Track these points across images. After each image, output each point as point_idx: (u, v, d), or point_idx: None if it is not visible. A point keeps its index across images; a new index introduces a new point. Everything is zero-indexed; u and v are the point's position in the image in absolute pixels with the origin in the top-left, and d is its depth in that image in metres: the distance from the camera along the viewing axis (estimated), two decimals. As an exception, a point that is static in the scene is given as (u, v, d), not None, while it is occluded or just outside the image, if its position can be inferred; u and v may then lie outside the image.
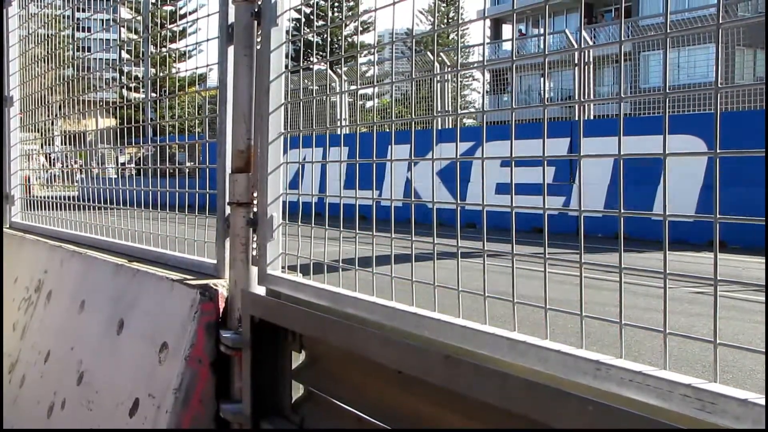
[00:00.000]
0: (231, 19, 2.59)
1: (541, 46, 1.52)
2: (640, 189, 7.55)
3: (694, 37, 17.35)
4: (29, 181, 5.12)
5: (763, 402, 1.09)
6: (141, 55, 6.33)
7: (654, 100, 16.77)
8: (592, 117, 16.77)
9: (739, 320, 6.29)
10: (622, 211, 1.34)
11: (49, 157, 5.40)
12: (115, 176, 4.74)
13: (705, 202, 11.77)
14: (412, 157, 1.84)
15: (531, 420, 1.43)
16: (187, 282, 2.59)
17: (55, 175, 5.20)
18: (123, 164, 5.02)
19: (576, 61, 15.87)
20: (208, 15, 2.77)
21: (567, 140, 14.12)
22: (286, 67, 2.45)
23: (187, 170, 3.49)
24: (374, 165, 1.95)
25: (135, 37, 5.06)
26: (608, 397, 1.29)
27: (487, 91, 24.11)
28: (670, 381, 1.21)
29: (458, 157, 1.72)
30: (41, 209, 4.61)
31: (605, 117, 17.07)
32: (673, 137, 1.32)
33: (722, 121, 1.23)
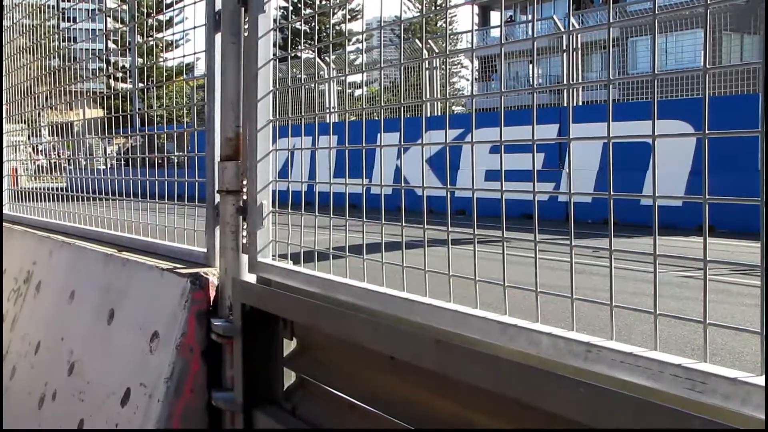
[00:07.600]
0: (218, 6, 2.58)
1: (530, 33, 1.52)
2: (629, 175, 7.59)
3: (682, 22, 17.37)
4: (17, 173, 5.08)
5: (752, 381, 1.09)
6: (128, 45, 6.29)
7: (643, 87, 16.79)
8: (581, 103, 16.78)
9: (729, 303, 6.33)
10: (612, 193, 1.34)
11: (36, 148, 5.36)
12: (104, 167, 4.71)
13: (694, 188, 11.81)
14: (402, 143, 1.83)
15: (523, 403, 1.43)
16: (178, 271, 2.58)
17: (42, 167, 5.17)
18: (110, 153, 4.98)
19: (564, 47, 15.87)
20: (195, 2, 2.75)
21: (556, 126, 14.11)
22: (274, 54, 2.44)
23: (176, 159, 3.47)
24: (363, 152, 1.94)
25: (121, 26, 5.02)
26: (600, 379, 1.30)
27: (476, 78, 24.06)
28: (660, 361, 1.22)
29: (447, 141, 1.72)
30: (29, 200, 4.59)
31: (594, 103, 17.08)
32: (663, 122, 1.32)
33: (710, 106, 1.23)
